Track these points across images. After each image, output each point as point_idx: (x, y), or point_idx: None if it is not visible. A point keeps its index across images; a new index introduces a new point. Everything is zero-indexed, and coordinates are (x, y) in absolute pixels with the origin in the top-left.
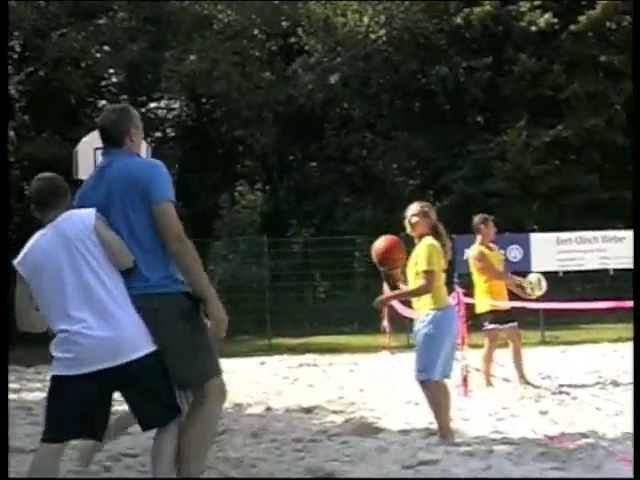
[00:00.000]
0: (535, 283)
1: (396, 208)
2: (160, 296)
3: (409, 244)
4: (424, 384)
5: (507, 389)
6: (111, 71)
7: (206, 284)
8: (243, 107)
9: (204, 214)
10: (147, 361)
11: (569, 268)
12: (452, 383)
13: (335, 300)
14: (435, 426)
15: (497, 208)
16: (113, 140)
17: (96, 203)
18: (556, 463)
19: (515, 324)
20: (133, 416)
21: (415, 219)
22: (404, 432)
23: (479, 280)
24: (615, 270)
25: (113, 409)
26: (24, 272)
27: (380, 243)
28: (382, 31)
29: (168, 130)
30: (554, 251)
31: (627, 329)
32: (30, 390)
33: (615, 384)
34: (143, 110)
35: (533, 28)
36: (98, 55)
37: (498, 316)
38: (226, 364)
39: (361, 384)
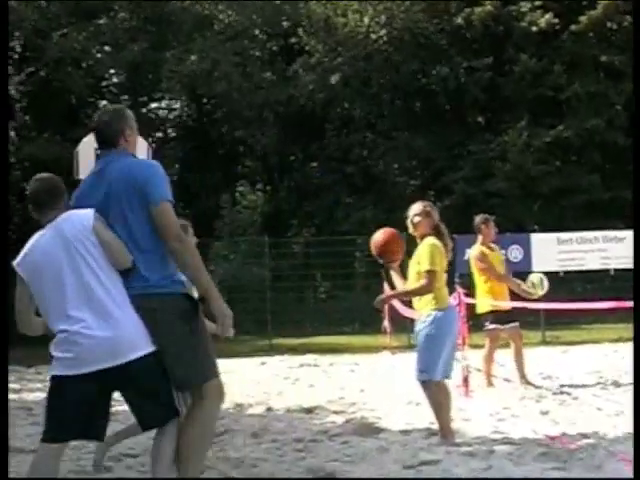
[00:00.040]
0: (537, 283)
1: (397, 208)
2: (159, 296)
3: (410, 244)
4: (425, 384)
5: (508, 389)
6: (112, 71)
7: (208, 282)
8: (244, 107)
9: (205, 214)
10: (146, 361)
11: (570, 268)
12: (453, 383)
13: (336, 300)
14: (436, 426)
15: (498, 208)
16: (108, 141)
17: (94, 204)
18: (557, 463)
19: (516, 324)
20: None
21: (417, 219)
22: (405, 432)
23: (480, 280)
24: (616, 270)
25: (113, 409)
26: (24, 273)
27: (379, 236)
28: (383, 31)
29: (169, 130)
30: (555, 251)
31: (628, 329)
32: (30, 390)
33: (616, 384)
34: (144, 110)
35: (534, 28)
36: (99, 55)
37: (499, 316)
38: (227, 364)
39: (362, 384)
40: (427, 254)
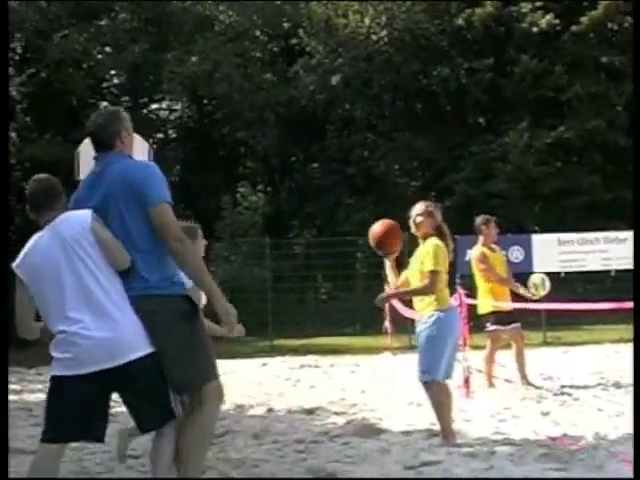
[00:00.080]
0: (539, 284)
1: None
2: (158, 298)
3: (411, 244)
4: (427, 385)
5: (509, 390)
6: (113, 72)
7: (209, 282)
8: (245, 108)
9: (206, 215)
10: (145, 362)
11: (571, 269)
12: (454, 384)
13: (337, 301)
14: (437, 427)
15: (499, 209)
16: (104, 143)
17: (92, 206)
18: (558, 464)
19: (518, 325)
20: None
21: (420, 219)
22: (406, 433)
23: (481, 281)
24: (617, 271)
25: (113, 410)
26: (23, 275)
27: (378, 227)
28: (383, 32)
29: (170, 131)
30: (556, 252)
31: (629, 330)
32: (31, 391)
33: (617, 385)
34: (145, 111)
35: (535, 29)
36: (100, 56)
37: (500, 317)
38: (228, 365)
39: (363, 385)
40: (431, 254)
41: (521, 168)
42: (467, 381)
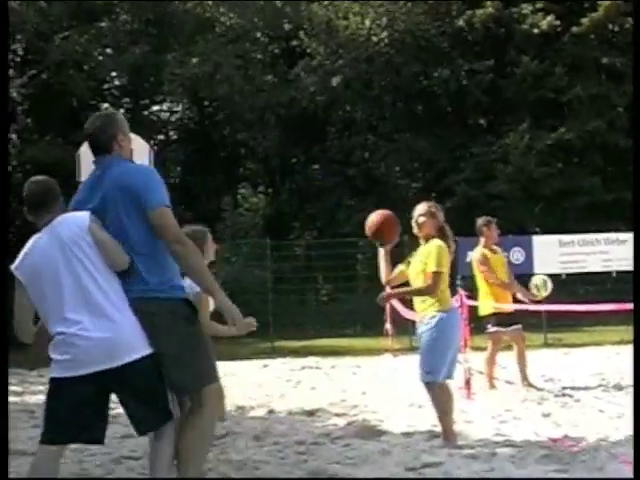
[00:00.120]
0: (541, 285)
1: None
2: (157, 300)
3: (412, 245)
4: (429, 385)
5: (510, 392)
6: (113, 74)
7: (211, 282)
8: (245, 110)
9: (206, 217)
10: (143, 363)
11: (571, 270)
12: (455, 385)
13: (338, 303)
14: (438, 429)
15: (499, 210)
16: (102, 147)
17: (91, 209)
18: (559, 465)
19: (519, 326)
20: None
21: (422, 219)
22: (407, 435)
23: (482, 283)
24: (618, 272)
25: (114, 412)
26: (22, 276)
27: (374, 217)
28: (384, 33)
29: (171, 133)
30: (556, 253)
31: (630, 331)
32: (32, 393)
33: (618, 387)
34: (145, 113)
35: (535, 30)
36: (100, 58)
37: (501, 319)
38: (229, 367)
39: (364, 387)
40: (434, 255)
41: (522, 169)
42: (468, 382)
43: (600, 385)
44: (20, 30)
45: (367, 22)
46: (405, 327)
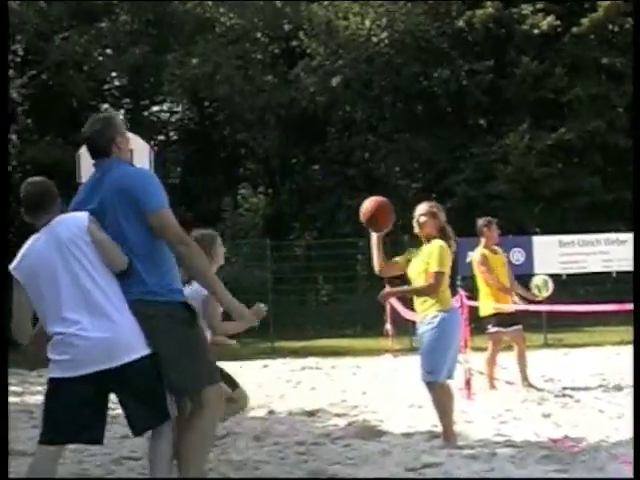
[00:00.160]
0: (542, 285)
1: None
2: (156, 304)
3: (413, 245)
4: (430, 386)
5: (510, 392)
6: (113, 74)
7: (215, 282)
8: (245, 110)
9: (207, 217)
10: (142, 364)
11: (572, 271)
12: (455, 386)
13: (338, 303)
14: (438, 429)
15: (500, 211)
16: (101, 150)
17: (89, 210)
18: (559, 466)
19: (520, 327)
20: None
21: (423, 219)
22: (407, 435)
23: (482, 283)
24: (618, 273)
25: (114, 412)
26: (20, 276)
27: (368, 203)
28: (384, 34)
29: (171, 133)
30: (557, 254)
31: (630, 332)
32: (32, 393)
33: (618, 387)
34: (145, 113)
35: (535, 31)
36: (100, 58)
37: (502, 319)
38: (229, 367)
39: (364, 387)
40: (436, 255)
41: (522, 169)
42: (468, 383)
43: (600, 385)
44: (20, 30)
45: (367, 22)
46: (405, 327)
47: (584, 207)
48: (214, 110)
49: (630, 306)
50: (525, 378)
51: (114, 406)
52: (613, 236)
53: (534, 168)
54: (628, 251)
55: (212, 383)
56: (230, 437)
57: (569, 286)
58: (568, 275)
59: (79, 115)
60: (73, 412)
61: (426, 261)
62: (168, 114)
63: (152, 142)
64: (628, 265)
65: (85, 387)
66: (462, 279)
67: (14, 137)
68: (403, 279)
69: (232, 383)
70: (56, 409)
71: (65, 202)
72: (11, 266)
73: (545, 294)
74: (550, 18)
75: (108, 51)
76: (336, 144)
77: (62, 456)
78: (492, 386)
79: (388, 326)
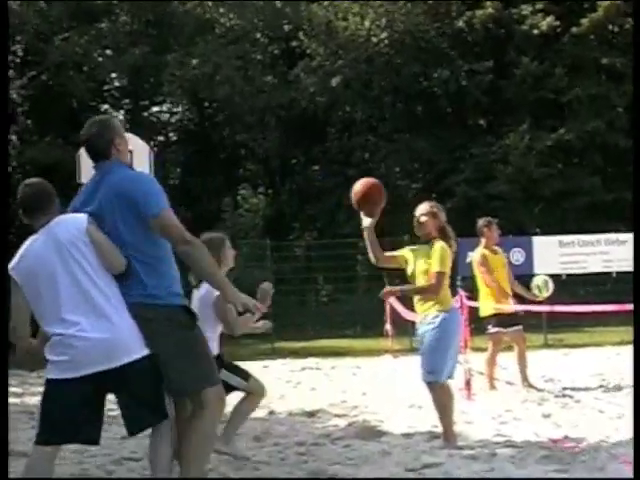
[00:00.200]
0: (542, 285)
1: (399, 211)
2: (155, 307)
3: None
4: (431, 386)
5: (510, 392)
6: (113, 75)
7: (221, 278)
8: (245, 111)
9: (207, 218)
10: (141, 365)
11: (572, 271)
12: (455, 386)
13: (338, 303)
14: (438, 429)
15: (499, 211)
16: (100, 153)
17: (88, 212)
18: (559, 466)
19: (520, 327)
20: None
21: (424, 218)
22: (407, 435)
23: (482, 284)
24: (618, 273)
25: (114, 413)
26: (18, 277)
27: (359, 185)
28: (384, 34)
29: (170, 134)
30: (557, 254)
31: (630, 332)
32: (32, 394)
33: (618, 387)
34: (145, 114)
35: (535, 31)
36: (100, 59)
37: (502, 319)
38: None
39: (364, 387)
40: (438, 255)
41: (522, 170)
42: (468, 383)
43: (600, 386)
44: (20, 31)
45: (367, 23)
46: (405, 328)
47: (584, 207)
48: (214, 111)
49: (630, 306)
50: (525, 378)
51: (114, 407)
52: (613, 236)
53: (534, 168)
54: (628, 251)
55: (212, 384)
56: None
57: (569, 286)
58: (568, 275)
59: (79, 116)
60: (70, 413)
61: (428, 261)
62: (168, 115)
63: (152, 143)
64: (628, 265)
65: (83, 388)
66: (462, 279)
67: (14, 138)
68: (403, 279)
69: (244, 374)
70: (53, 410)
71: (65, 203)
72: (9, 266)
73: (546, 294)
74: (550, 18)
75: (108, 52)
76: (336, 144)
77: (62, 457)
78: (492, 386)
79: (388, 326)
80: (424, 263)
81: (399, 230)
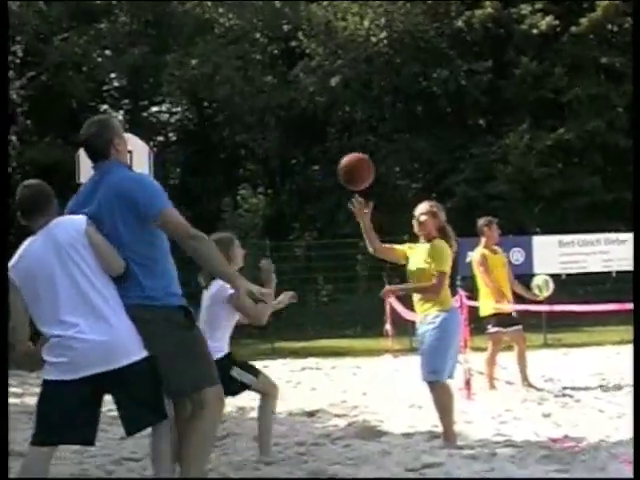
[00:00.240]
0: (542, 285)
1: (399, 211)
2: (153, 308)
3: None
4: (432, 385)
5: (510, 392)
6: (113, 75)
7: (228, 269)
8: (245, 111)
9: (206, 218)
10: (140, 366)
11: (571, 271)
12: (455, 386)
13: (338, 303)
14: (438, 429)
15: (499, 211)
16: (99, 153)
17: (87, 213)
18: (559, 465)
19: (520, 327)
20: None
21: (423, 218)
22: (407, 435)
23: (482, 283)
24: (618, 272)
25: (113, 414)
26: (16, 278)
27: (345, 160)
28: (383, 34)
29: (170, 134)
30: (556, 254)
31: (630, 331)
32: (32, 395)
33: (618, 387)
34: (145, 114)
35: (534, 31)
36: (100, 59)
37: (502, 319)
38: None
39: (364, 387)
40: (439, 255)
41: (522, 169)
42: (468, 383)
43: (600, 385)
44: (19, 32)
45: (366, 22)
46: (405, 328)
47: (584, 207)
48: (213, 111)
49: (630, 306)
50: (525, 378)
51: (114, 407)
52: (613, 236)
53: (534, 168)
54: (628, 251)
55: (211, 384)
56: (230, 437)
57: (569, 286)
58: (568, 275)
59: (78, 116)
60: (68, 414)
61: (428, 261)
62: (167, 115)
63: (151, 143)
64: (628, 265)
65: (81, 389)
66: (462, 279)
67: (14, 138)
68: (403, 279)
69: (255, 372)
70: (51, 411)
71: (65, 204)
72: (8, 265)
73: (546, 294)
74: (549, 18)
75: (107, 52)
76: (336, 144)
77: (62, 457)
78: (492, 386)
79: (388, 326)
80: (423, 262)
81: (399, 230)
